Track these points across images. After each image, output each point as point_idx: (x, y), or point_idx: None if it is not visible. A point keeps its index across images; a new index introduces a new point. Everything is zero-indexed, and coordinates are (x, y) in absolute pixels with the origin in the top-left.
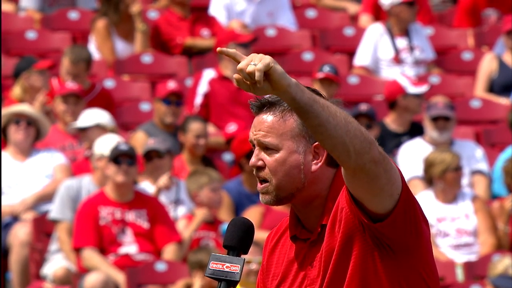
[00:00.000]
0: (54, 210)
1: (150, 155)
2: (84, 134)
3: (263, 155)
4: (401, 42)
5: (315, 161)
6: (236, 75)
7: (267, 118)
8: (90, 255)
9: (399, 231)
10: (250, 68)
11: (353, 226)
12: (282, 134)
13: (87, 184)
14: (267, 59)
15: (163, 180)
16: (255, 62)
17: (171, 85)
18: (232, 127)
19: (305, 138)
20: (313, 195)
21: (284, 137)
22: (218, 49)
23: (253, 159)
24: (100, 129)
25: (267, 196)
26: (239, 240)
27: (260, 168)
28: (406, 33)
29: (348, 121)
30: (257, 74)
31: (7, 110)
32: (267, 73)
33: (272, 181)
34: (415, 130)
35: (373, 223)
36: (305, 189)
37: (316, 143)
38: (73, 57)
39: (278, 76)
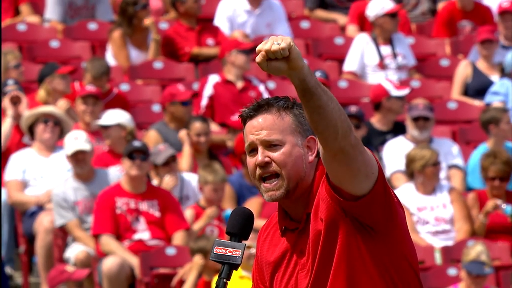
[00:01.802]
0: (56, 218)
1: (168, 160)
2: (106, 132)
3: (268, 152)
4: (385, 50)
5: (310, 153)
6: (258, 58)
7: (267, 118)
8: (108, 241)
9: (377, 209)
10: (275, 47)
11: (335, 213)
12: (283, 130)
13: (70, 184)
14: (288, 39)
15: (168, 181)
16: (279, 42)
17: (185, 89)
18: (236, 117)
19: (300, 133)
20: (307, 184)
21: (285, 132)
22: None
23: (259, 158)
24: (120, 128)
25: (278, 191)
26: (240, 227)
27: (268, 164)
28: (389, 41)
29: (339, 106)
30: (282, 52)
31: (36, 110)
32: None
33: (282, 173)
34: (398, 129)
35: (354, 201)
36: (305, 178)
37: (309, 136)
38: (95, 73)
39: (296, 56)
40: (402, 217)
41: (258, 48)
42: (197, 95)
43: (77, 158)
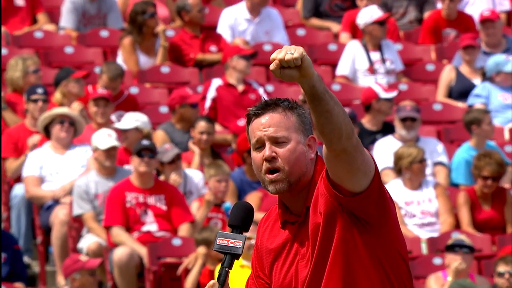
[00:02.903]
0: (75, 207)
1: (174, 159)
2: (124, 134)
3: (275, 148)
4: (375, 55)
5: (310, 151)
6: (272, 65)
7: (274, 116)
8: (118, 232)
9: (372, 205)
10: (288, 57)
11: (333, 207)
12: (289, 128)
13: (93, 177)
14: (300, 49)
15: (174, 178)
16: (292, 52)
17: (193, 92)
18: (242, 121)
19: (302, 132)
20: (308, 179)
21: (290, 130)
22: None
23: (267, 152)
24: (138, 131)
25: (280, 183)
26: (241, 220)
27: (274, 159)
28: (378, 48)
29: (344, 110)
30: (295, 61)
31: (52, 112)
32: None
33: (285, 169)
34: (387, 129)
35: (351, 197)
36: (306, 173)
37: (310, 136)
38: (110, 75)
39: (307, 64)
40: (394, 212)
41: (272, 56)
42: (204, 98)
43: (110, 153)
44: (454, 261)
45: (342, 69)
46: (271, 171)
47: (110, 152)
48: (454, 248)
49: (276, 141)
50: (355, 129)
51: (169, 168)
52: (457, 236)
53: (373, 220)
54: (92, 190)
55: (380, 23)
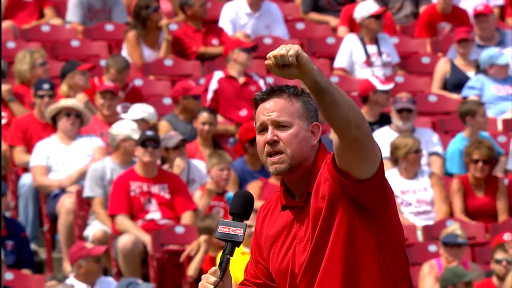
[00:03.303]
0: (86, 189)
1: (178, 145)
2: None
3: (277, 132)
4: (372, 48)
5: (313, 137)
6: (267, 61)
7: (278, 101)
8: (123, 220)
9: (375, 192)
10: (283, 51)
11: (336, 193)
12: (292, 114)
13: (109, 164)
14: (296, 47)
15: (179, 163)
16: (287, 49)
17: (195, 84)
18: (244, 112)
19: (306, 119)
20: (309, 165)
21: (294, 116)
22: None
23: (269, 136)
24: (144, 122)
25: (282, 165)
26: (242, 208)
27: (276, 143)
28: (375, 41)
29: (350, 100)
30: (290, 59)
31: (59, 104)
32: (296, 58)
33: (287, 152)
34: (384, 120)
35: (357, 183)
36: (307, 159)
37: (314, 123)
38: (117, 68)
39: (305, 61)
40: (393, 200)
41: (267, 55)
42: (206, 90)
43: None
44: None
45: (340, 61)
46: (272, 154)
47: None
48: (448, 243)
49: (279, 125)
50: (365, 118)
51: (174, 153)
52: (452, 227)
53: (374, 206)
54: (107, 175)
55: (377, 17)
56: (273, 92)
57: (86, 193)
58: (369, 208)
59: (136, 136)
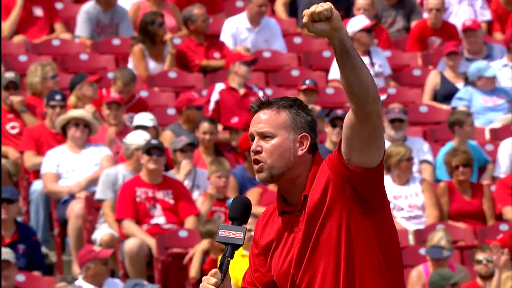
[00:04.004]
0: (98, 192)
1: (184, 148)
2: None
3: (261, 142)
4: (364, 60)
5: (300, 148)
6: (304, 19)
7: (265, 113)
8: (129, 225)
9: (375, 184)
10: (319, 9)
11: (335, 190)
12: (277, 125)
13: (122, 170)
14: (329, 3)
15: (185, 165)
16: (323, 5)
17: (198, 95)
18: (235, 119)
19: (294, 130)
20: (298, 174)
21: (278, 127)
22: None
23: (253, 146)
24: (155, 129)
25: (262, 174)
26: (240, 213)
27: (258, 152)
28: (367, 53)
29: (371, 74)
30: (325, 12)
31: (68, 114)
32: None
33: (267, 161)
34: None
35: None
36: (292, 169)
37: (302, 134)
38: (124, 80)
39: (337, 17)
40: (388, 201)
41: (305, 11)
42: (208, 101)
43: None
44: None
45: (335, 73)
46: (256, 163)
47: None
48: (433, 258)
49: (264, 136)
50: (379, 97)
51: (181, 156)
52: (437, 236)
53: (372, 200)
54: (119, 181)
55: (367, 30)
56: (262, 104)
57: (98, 195)
58: (367, 202)
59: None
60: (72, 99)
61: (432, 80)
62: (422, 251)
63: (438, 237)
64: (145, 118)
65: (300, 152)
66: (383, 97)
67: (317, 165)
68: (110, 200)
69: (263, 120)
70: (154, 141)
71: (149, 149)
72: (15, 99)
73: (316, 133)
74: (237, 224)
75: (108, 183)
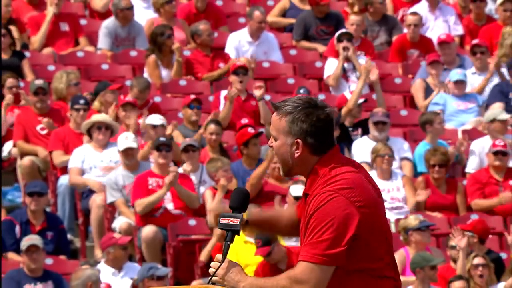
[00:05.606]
0: (108, 197)
1: (187, 148)
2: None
3: (272, 141)
4: (348, 65)
5: (296, 151)
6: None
7: (274, 117)
8: (142, 201)
9: None
10: (211, 271)
11: None
12: (278, 129)
13: (120, 172)
14: (221, 271)
15: (185, 167)
16: (218, 272)
17: (191, 96)
18: (245, 120)
19: (291, 134)
20: (303, 171)
21: (279, 131)
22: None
23: (269, 142)
24: (164, 128)
25: (280, 170)
26: (240, 202)
27: (272, 148)
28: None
29: None
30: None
31: (92, 119)
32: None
33: (278, 160)
34: (358, 125)
35: None
36: (294, 167)
37: (297, 139)
38: (140, 87)
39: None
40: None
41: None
42: (201, 103)
43: (127, 153)
44: (422, 238)
45: (326, 74)
46: None
47: (127, 152)
48: (421, 228)
49: (272, 136)
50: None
51: (183, 156)
52: (419, 218)
53: None
54: (120, 182)
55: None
56: (275, 107)
57: (109, 199)
58: None
59: (120, 147)
60: (96, 104)
61: (419, 86)
62: (402, 237)
63: (420, 218)
64: (155, 118)
65: (296, 155)
66: (361, 100)
67: (320, 166)
68: (121, 198)
69: (272, 123)
70: (162, 139)
71: (159, 146)
72: (46, 121)
73: (325, 134)
74: (236, 212)
75: (112, 186)
